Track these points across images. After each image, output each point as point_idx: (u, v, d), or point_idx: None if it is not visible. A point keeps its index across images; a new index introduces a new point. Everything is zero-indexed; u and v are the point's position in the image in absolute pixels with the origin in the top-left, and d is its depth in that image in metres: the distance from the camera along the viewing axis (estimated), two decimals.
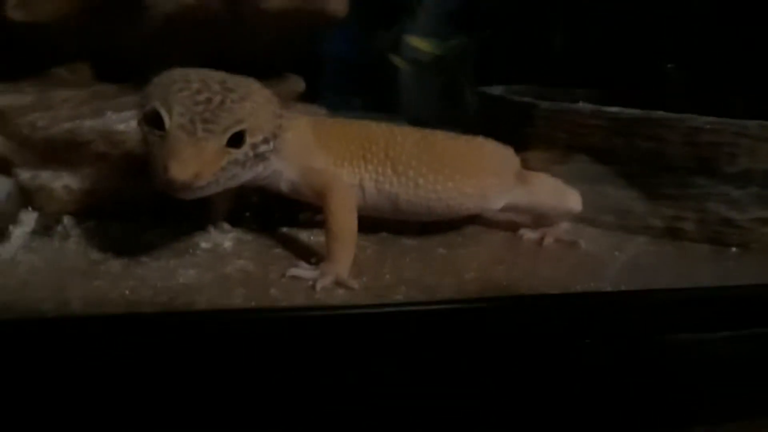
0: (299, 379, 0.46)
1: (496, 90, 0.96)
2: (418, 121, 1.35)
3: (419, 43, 1.37)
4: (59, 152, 0.70)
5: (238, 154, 0.51)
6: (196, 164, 0.47)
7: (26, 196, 0.68)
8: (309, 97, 0.95)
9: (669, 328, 0.52)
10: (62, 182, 0.69)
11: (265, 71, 0.93)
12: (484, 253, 0.68)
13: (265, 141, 0.53)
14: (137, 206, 0.70)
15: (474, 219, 0.76)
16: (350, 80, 1.40)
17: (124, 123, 0.69)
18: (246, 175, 0.54)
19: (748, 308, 0.57)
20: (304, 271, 0.57)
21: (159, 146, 0.49)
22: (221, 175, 0.50)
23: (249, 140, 0.52)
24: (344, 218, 0.58)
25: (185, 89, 0.51)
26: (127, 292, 0.51)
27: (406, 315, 0.48)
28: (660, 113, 0.77)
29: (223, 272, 0.57)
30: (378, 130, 0.66)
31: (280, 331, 0.46)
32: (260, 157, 0.54)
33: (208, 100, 0.50)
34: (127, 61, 0.79)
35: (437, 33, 1.39)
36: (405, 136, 0.66)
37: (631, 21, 1.20)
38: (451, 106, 1.40)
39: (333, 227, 0.58)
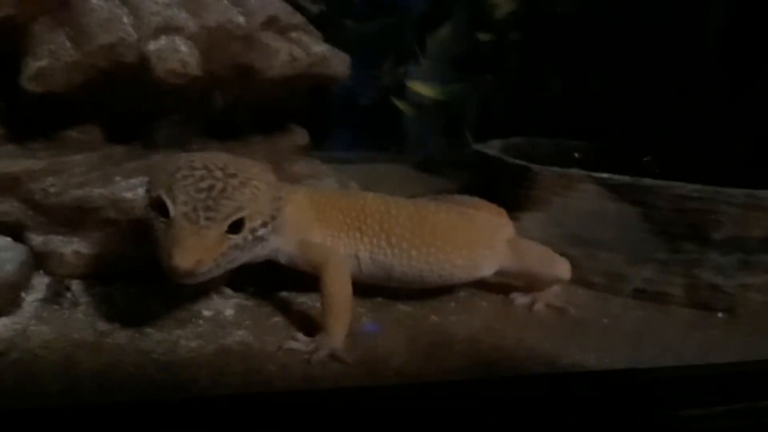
0: None
1: (494, 146, 0.99)
2: (422, 163, 1.38)
3: (421, 89, 1.40)
4: (70, 217, 0.73)
5: (237, 239, 0.54)
6: (198, 252, 0.50)
7: (38, 260, 0.71)
8: (314, 141, 0.97)
9: (654, 406, 0.54)
10: (73, 247, 0.72)
11: (270, 125, 0.98)
12: (475, 321, 0.71)
13: (264, 225, 0.56)
14: (142, 270, 0.73)
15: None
16: (355, 124, 1.44)
17: (132, 191, 0.72)
18: (245, 257, 0.57)
19: (737, 384, 0.59)
20: (300, 344, 0.60)
21: (164, 233, 0.52)
22: (221, 260, 0.53)
23: (248, 225, 0.55)
24: (339, 292, 0.61)
25: (189, 177, 0.54)
26: (131, 369, 0.54)
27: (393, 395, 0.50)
28: (648, 180, 0.80)
29: (223, 344, 0.60)
30: (373, 203, 0.69)
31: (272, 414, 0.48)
32: (259, 240, 0.57)
33: (211, 188, 0.53)
34: (136, 120, 0.83)
35: (440, 78, 1.43)
36: (399, 209, 0.69)
37: (635, 73, 1.22)
38: (453, 149, 1.43)
39: (328, 300, 0.61)
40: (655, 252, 0.80)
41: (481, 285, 0.79)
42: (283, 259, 0.65)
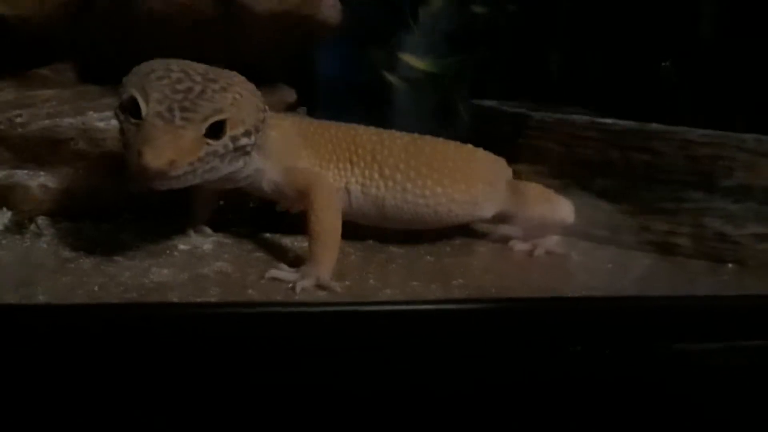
0: (270, 377, 0.44)
1: (489, 103, 0.95)
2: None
3: (414, 61, 1.36)
4: (37, 150, 0.68)
5: (217, 145, 0.49)
6: (172, 152, 0.45)
7: (1, 195, 0.66)
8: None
9: (662, 337, 0.50)
10: (39, 181, 0.67)
11: (256, 79, 0.93)
12: (473, 262, 0.66)
13: (247, 134, 0.51)
14: (115, 207, 0.68)
15: (463, 230, 0.73)
16: (344, 97, 1.39)
17: (105, 122, 0.67)
18: (225, 169, 0.52)
19: (745, 319, 0.54)
20: (284, 273, 0.55)
21: (134, 134, 0.47)
22: (198, 165, 0.48)
23: (229, 132, 0.50)
24: (327, 218, 0.56)
25: (164, 78, 0.49)
26: (95, 288, 0.49)
27: (387, 315, 0.45)
28: (654, 125, 0.75)
29: (199, 272, 0.55)
30: (365, 133, 0.64)
31: (250, 327, 0.43)
32: (241, 151, 0.52)
33: (188, 90, 0.49)
34: (112, 62, 0.78)
35: (432, 51, 1.39)
36: (393, 140, 0.64)
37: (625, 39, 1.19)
38: (445, 123, 1.39)
39: (315, 227, 0.56)
40: (661, 201, 0.76)
41: (478, 234, 0.74)
42: (267, 187, 0.59)
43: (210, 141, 0.49)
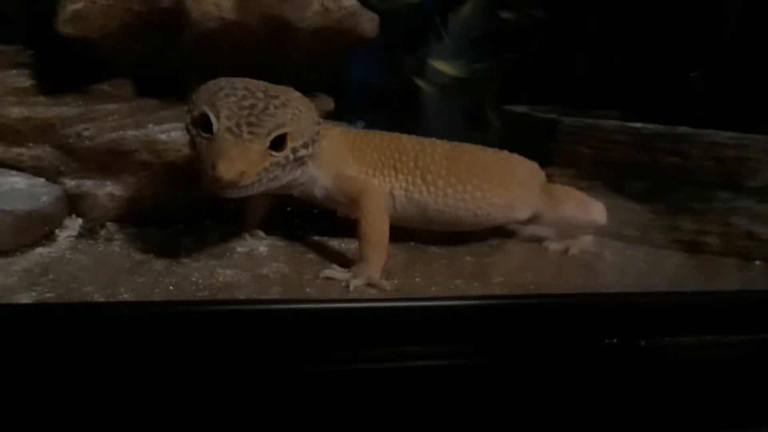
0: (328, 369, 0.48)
1: (520, 109, 0.98)
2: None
3: (443, 67, 1.40)
4: (103, 161, 0.73)
5: (279, 156, 0.54)
6: (242, 164, 0.50)
7: (71, 203, 0.71)
8: (336, 118, 0.98)
9: (692, 330, 0.53)
10: (106, 190, 0.72)
11: (298, 90, 0.97)
12: (511, 261, 0.70)
13: (305, 146, 0.56)
14: (176, 214, 0.73)
15: (499, 231, 0.77)
16: (376, 103, 1.44)
17: (166, 134, 0.72)
18: (286, 178, 0.57)
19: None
20: (337, 272, 0.59)
21: (207, 148, 0.52)
22: (264, 175, 0.53)
23: (290, 144, 0.55)
24: (376, 221, 0.60)
25: (231, 95, 0.54)
26: (170, 287, 0.54)
27: (436, 310, 0.50)
28: (683, 128, 0.79)
29: (259, 273, 0.59)
30: (408, 141, 0.69)
31: (312, 324, 0.48)
32: (299, 161, 0.56)
33: (253, 106, 0.53)
34: (167, 77, 0.83)
35: (462, 57, 1.42)
36: (434, 147, 0.68)
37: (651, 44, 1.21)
38: (475, 128, 1.42)
39: (365, 230, 0.60)
40: (689, 202, 0.79)
41: (513, 235, 0.78)
42: (319, 194, 0.64)
43: (273, 153, 0.53)
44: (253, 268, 0.61)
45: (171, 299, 0.49)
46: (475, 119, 1.42)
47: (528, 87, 1.38)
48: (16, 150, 0.73)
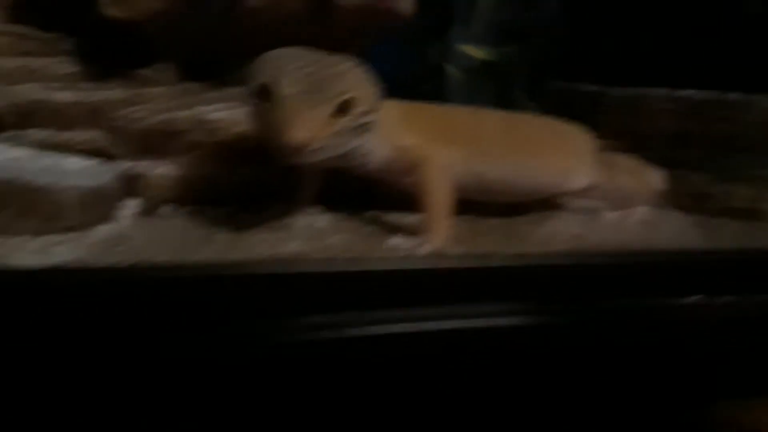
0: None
1: (559, 85, 0.98)
2: None
3: (472, 51, 1.39)
4: (155, 143, 0.72)
5: (345, 122, 0.53)
6: (310, 128, 0.50)
7: (125, 185, 0.71)
8: None
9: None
10: (159, 171, 0.71)
11: None
12: (572, 229, 0.69)
13: (369, 112, 0.56)
14: (228, 193, 0.73)
15: (552, 204, 0.77)
16: (403, 89, 1.42)
17: (216, 113, 0.72)
18: (350, 144, 0.56)
19: None
20: (403, 241, 0.59)
21: (271, 116, 0.51)
22: (331, 141, 0.52)
23: (355, 109, 0.54)
24: (441, 187, 0.60)
25: (292, 63, 0.54)
26: (239, 259, 0.54)
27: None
28: (734, 95, 0.78)
29: (325, 243, 0.59)
30: (460, 111, 0.68)
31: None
32: (364, 128, 0.56)
33: (315, 72, 0.53)
34: (210, 60, 0.83)
35: (490, 41, 1.42)
36: (488, 117, 0.68)
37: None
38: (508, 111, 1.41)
39: (430, 197, 0.60)
40: (743, 169, 0.78)
41: (566, 207, 0.77)
42: (376, 165, 0.63)
43: (339, 118, 0.53)
44: (317, 239, 0.60)
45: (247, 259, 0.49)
46: (507, 103, 1.41)
47: (558, 69, 1.37)
48: (67, 134, 0.73)
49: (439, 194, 0.60)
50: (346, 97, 0.53)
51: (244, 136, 0.73)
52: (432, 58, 1.45)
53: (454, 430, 0.49)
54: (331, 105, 0.52)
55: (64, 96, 0.73)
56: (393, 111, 0.67)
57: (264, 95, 0.53)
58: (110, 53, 0.83)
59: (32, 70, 0.77)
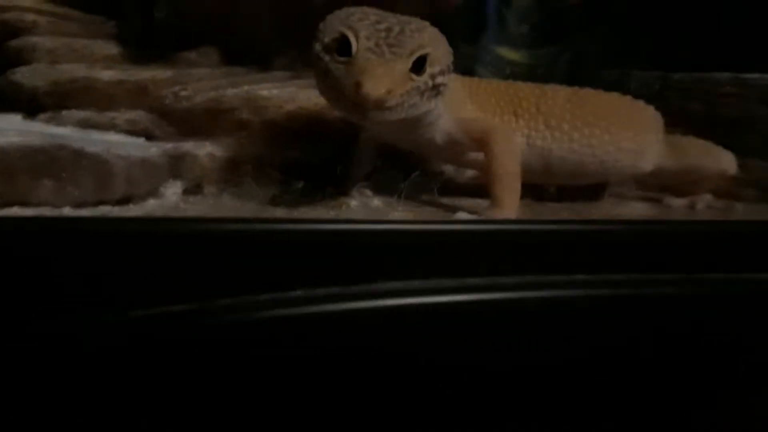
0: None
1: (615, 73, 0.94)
2: None
3: (509, 54, 1.36)
4: (201, 122, 0.70)
5: (420, 80, 0.50)
6: (388, 82, 0.47)
7: (170, 166, 0.68)
8: None
9: None
10: (206, 150, 0.68)
11: None
12: (638, 214, 0.65)
13: (442, 72, 0.52)
14: (275, 174, 0.70)
15: (612, 191, 0.73)
16: None
17: (267, 90, 0.69)
18: (423, 107, 0.53)
19: None
20: (470, 216, 0.55)
21: (346, 71, 0.48)
22: (406, 98, 0.49)
23: (429, 69, 0.51)
24: (509, 161, 0.56)
25: (365, 19, 0.51)
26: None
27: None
28: None
29: (392, 217, 0.56)
30: (527, 87, 0.65)
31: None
32: (436, 89, 0.53)
33: (389, 29, 0.50)
34: (251, 46, 0.81)
35: (526, 43, 1.39)
36: (555, 92, 0.64)
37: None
38: None
39: (498, 171, 0.56)
40: None
41: (627, 196, 0.74)
42: (441, 139, 0.60)
43: (414, 76, 0.50)
44: (383, 214, 0.57)
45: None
46: None
47: (597, 70, 1.33)
48: (110, 114, 0.70)
49: (507, 166, 0.56)
50: (422, 53, 0.50)
51: (296, 115, 0.70)
52: (467, 62, 1.42)
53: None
54: (408, 61, 0.49)
55: (107, 74, 0.70)
56: (456, 83, 0.63)
57: (340, 49, 0.50)
58: (154, 36, 0.81)
59: (74, 49, 0.75)
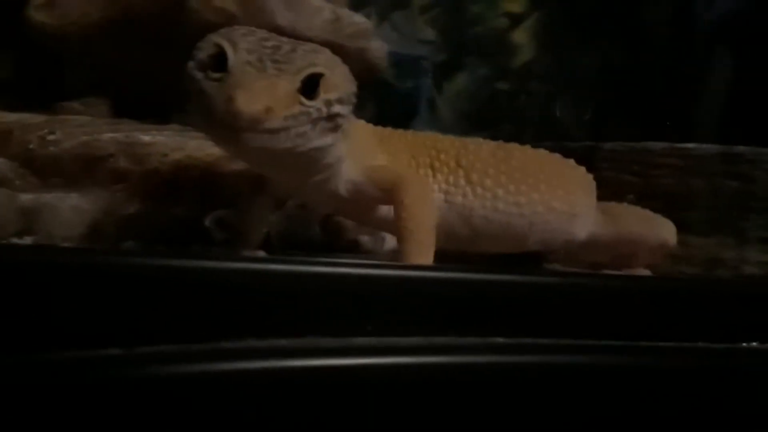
0: None
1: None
2: None
3: None
4: (70, 171, 0.60)
5: (311, 105, 0.42)
6: (266, 98, 0.38)
7: (27, 220, 0.57)
8: None
9: None
10: (71, 203, 0.58)
11: None
12: None
13: (341, 101, 0.44)
14: (156, 234, 0.60)
15: (547, 259, 0.65)
16: None
17: (150, 135, 0.60)
18: (315, 140, 0.43)
19: None
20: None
21: (219, 87, 0.39)
22: (292, 124, 0.40)
23: (323, 95, 0.43)
24: (422, 212, 0.48)
25: (250, 35, 0.43)
26: None
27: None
28: (741, 147, 0.70)
29: None
30: (446, 139, 0.58)
31: None
32: (333, 122, 0.44)
33: (277, 47, 0.42)
34: (144, 98, 0.72)
35: (457, 128, 1.36)
36: (478, 145, 0.57)
37: None
38: None
39: (408, 224, 0.47)
40: (757, 230, 0.69)
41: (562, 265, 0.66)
42: (344, 190, 0.51)
43: (304, 100, 0.41)
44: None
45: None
46: None
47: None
48: None
49: (420, 219, 0.47)
50: (313, 71, 0.42)
51: (184, 165, 0.60)
52: None
53: None
54: (294, 79, 0.41)
55: None
56: (366, 130, 0.56)
57: (216, 64, 0.41)
58: (33, 81, 0.72)
59: None
